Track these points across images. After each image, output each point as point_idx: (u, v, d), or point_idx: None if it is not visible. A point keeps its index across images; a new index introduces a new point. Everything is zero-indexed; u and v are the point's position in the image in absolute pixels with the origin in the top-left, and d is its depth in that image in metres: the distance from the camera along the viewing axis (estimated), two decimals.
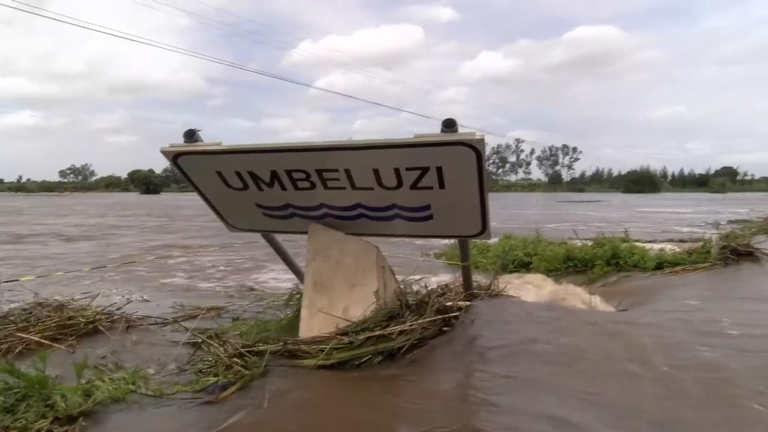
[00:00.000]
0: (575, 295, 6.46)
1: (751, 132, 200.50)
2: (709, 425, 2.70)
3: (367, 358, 3.58)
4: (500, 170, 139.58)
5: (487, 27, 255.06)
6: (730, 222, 17.81)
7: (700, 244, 9.32)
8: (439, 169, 3.53)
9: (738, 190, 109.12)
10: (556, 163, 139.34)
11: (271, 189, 3.97)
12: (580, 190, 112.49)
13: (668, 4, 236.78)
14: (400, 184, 3.69)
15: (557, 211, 35.92)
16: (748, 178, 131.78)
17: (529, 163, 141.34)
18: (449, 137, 3.34)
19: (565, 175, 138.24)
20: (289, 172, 3.80)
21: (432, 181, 3.61)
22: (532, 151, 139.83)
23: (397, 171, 3.61)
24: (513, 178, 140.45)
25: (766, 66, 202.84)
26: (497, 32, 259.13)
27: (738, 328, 4.57)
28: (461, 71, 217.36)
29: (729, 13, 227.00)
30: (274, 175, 3.84)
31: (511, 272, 8.64)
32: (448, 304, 4.46)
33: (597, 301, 6.26)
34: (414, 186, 3.67)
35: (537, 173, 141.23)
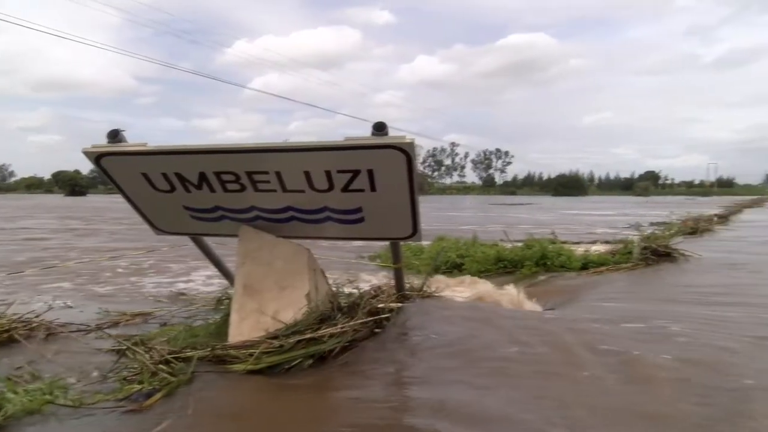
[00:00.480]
0: (504, 295, 6.62)
1: (672, 138, 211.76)
2: (617, 404, 2.84)
3: (297, 361, 3.57)
4: (436, 173, 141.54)
5: (423, 31, 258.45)
6: (651, 224, 18.60)
7: (623, 245, 9.79)
8: (370, 172, 3.55)
9: (660, 193, 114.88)
10: (489, 166, 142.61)
11: (200, 191, 3.88)
12: (513, 193, 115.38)
13: (595, 14, 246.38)
14: (331, 187, 3.69)
15: (490, 213, 36.70)
16: (669, 182, 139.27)
17: (463, 167, 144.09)
18: (380, 140, 3.37)
19: (498, 179, 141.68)
20: (218, 174, 3.73)
21: (363, 183, 3.62)
22: (467, 155, 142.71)
23: (328, 173, 3.60)
24: (448, 181, 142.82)
25: (685, 76, 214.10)
26: (433, 37, 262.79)
27: (655, 322, 4.84)
28: (398, 74, 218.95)
29: (651, 25, 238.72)
30: (203, 176, 3.76)
31: (444, 274, 8.77)
32: (380, 305, 4.50)
33: (525, 301, 6.45)
34: (345, 189, 3.68)
35: (471, 176, 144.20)
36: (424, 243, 11.07)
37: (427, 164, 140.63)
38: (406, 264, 7.64)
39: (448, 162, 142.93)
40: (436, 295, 5.72)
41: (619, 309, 5.75)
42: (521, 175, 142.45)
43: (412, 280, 5.94)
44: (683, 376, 3.40)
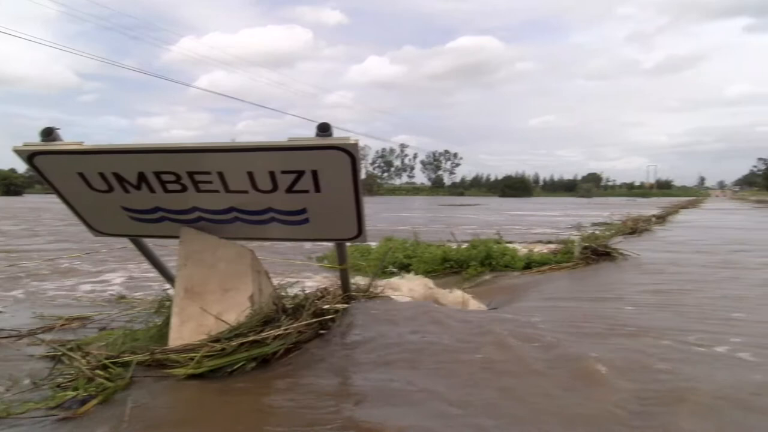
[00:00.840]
0: (450, 294, 6.71)
1: (614, 141, 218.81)
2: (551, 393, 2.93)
3: (240, 364, 3.52)
4: (385, 174, 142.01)
5: (374, 32, 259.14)
6: (593, 224, 19.19)
7: (564, 245, 10.07)
8: (315, 173, 3.54)
9: (602, 194, 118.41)
10: (438, 167, 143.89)
11: (139, 191, 3.79)
12: (461, 194, 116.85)
13: (542, 19, 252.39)
14: (275, 188, 3.67)
15: (439, 214, 37.05)
16: (611, 183, 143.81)
17: (413, 168, 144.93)
18: (324, 141, 3.37)
19: (447, 180, 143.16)
20: (157, 174, 3.65)
21: (308, 184, 3.61)
22: (416, 156, 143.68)
23: (272, 174, 3.58)
24: (398, 181, 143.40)
25: (626, 81, 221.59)
26: (384, 38, 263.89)
27: (589, 320, 5.01)
28: (349, 75, 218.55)
29: (594, 31, 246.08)
30: (142, 176, 3.67)
31: (391, 274, 8.83)
32: (326, 307, 4.49)
33: (470, 300, 6.55)
34: (290, 189, 3.66)
35: (421, 177, 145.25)
36: (372, 244, 11.12)
37: (376, 165, 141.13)
38: (353, 265, 7.67)
39: (397, 163, 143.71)
40: (383, 295, 5.75)
41: (559, 307, 5.91)
42: (469, 177, 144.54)
43: (359, 281, 5.95)
44: (612, 373, 3.54)
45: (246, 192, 3.71)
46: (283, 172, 3.56)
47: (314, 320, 4.12)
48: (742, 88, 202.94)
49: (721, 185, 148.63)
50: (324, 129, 3.36)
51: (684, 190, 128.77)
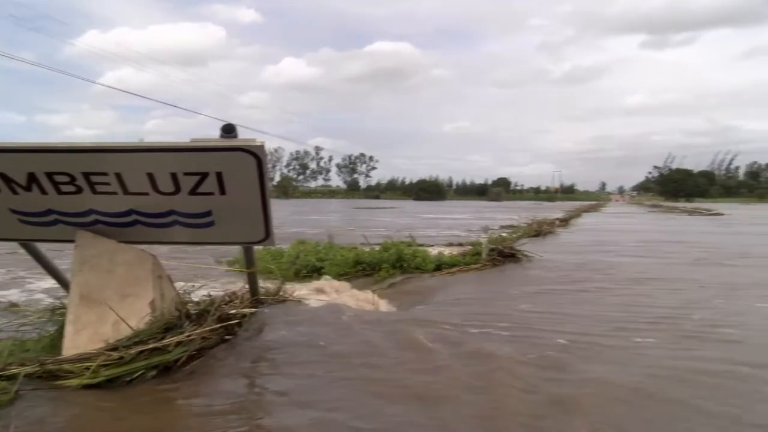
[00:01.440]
0: (361, 297, 6.75)
1: (522, 147, 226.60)
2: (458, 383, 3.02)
3: (139, 373, 3.39)
4: (301, 176, 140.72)
5: (290, 33, 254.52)
6: (501, 227, 19.90)
7: (473, 247, 10.39)
8: (219, 175, 3.47)
9: (511, 198, 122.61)
10: (354, 171, 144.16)
11: (29, 193, 3.57)
12: (376, 197, 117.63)
13: (456, 27, 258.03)
14: (178, 190, 3.56)
15: (354, 217, 37.20)
16: (519, 188, 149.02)
17: (329, 171, 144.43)
18: (228, 143, 3.32)
19: (363, 183, 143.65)
20: (50, 175, 3.45)
21: (212, 186, 3.54)
22: (332, 159, 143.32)
23: (174, 176, 3.48)
24: (313, 184, 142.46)
25: (536, 90, 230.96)
26: (301, 39, 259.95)
27: (496, 318, 5.20)
28: (264, 76, 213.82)
29: (506, 40, 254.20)
30: (32, 177, 3.46)
31: (303, 277, 8.79)
32: (232, 311, 4.40)
33: (381, 302, 6.61)
34: (193, 192, 3.57)
35: (336, 180, 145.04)
36: (284, 247, 11.00)
37: (291, 167, 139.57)
38: (264, 269, 7.55)
39: (313, 165, 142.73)
40: (293, 299, 5.69)
41: (466, 307, 6.09)
42: (385, 180, 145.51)
43: (270, 285, 5.86)
44: (513, 363, 3.69)
45: (146, 194, 3.58)
46: (186, 174, 3.46)
47: (219, 325, 4.03)
48: (639, 100, 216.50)
49: (621, 190, 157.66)
50: (228, 130, 3.31)
51: (587, 195, 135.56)
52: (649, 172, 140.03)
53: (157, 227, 3.92)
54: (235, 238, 4.27)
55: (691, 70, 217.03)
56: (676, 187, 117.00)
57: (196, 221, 3.86)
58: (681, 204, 76.15)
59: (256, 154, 3.35)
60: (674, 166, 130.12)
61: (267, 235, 4.03)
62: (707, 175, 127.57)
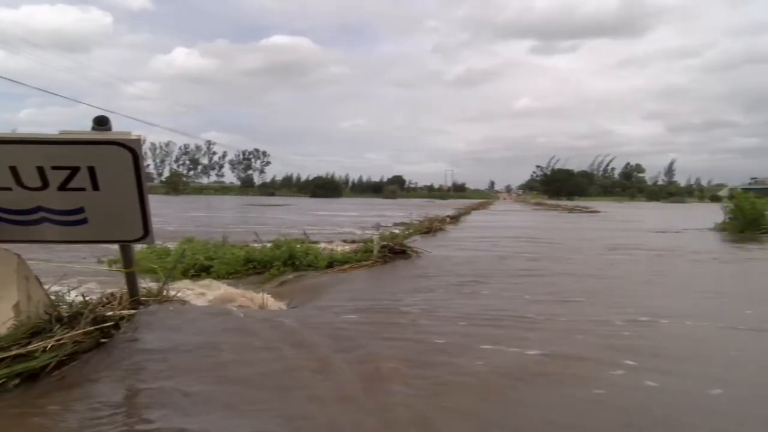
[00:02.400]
0: (250, 295, 6.65)
1: (417, 146, 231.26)
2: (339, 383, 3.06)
3: (0, 382, 3.14)
4: (192, 172, 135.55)
5: (183, 22, 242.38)
6: (395, 224, 20.26)
7: (365, 244, 10.52)
8: (92, 170, 3.30)
9: (405, 196, 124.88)
10: (249, 167, 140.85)
11: None
12: (271, 194, 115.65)
13: (356, 24, 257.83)
14: (45, 185, 3.35)
15: (248, 214, 36.45)
16: (414, 185, 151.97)
17: (222, 166, 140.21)
18: (100, 136, 3.16)
19: (258, 179, 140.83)
20: None
21: (84, 182, 3.35)
22: (225, 154, 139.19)
23: (41, 170, 3.27)
24: (205, 180, 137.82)
25: (431, 90, 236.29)
26: (194, 29, 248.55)
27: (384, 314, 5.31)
28: (154, 66, 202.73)
29: (404, 41, 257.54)
30: None
31: (191, 277, 8.52)
32: (109, 313, 4.19)
33: (270, 300, 6.55)
34: (63, 187, 3.37)
35: (230, 176, 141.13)
36: (171, 245, 10.61)
37: (181, 162, 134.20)
38: (147, 268, 7.24)
39: (205, 161, 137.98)
40: (177, 299, 5.50)
41: (354, 303, 6.18)
42: (280, 177, 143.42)
43: (152, 285, 5.63)
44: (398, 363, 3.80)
45: (9, 189, 3.34)
46: (55, 168, 3.27)
47: (94, 328, 3.82)
48: (526, 103, 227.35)
49: (508, 189, 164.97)
50: (101, 122, 3.15)
51: (477, 193, 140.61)
52: (534, 172, 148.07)
53: (22, 225, 3.66)
54: (111, 237, 4.07)
55: (575, 75, 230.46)
56: (559, 186, 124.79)
57: (67, 218, 3.64)
58: (563, 202, 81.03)
59: (131, 149, 3.21)
60: (557, 166, 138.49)
61: (146, 232, 3.87)
62: (587, 176, 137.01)
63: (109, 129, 3.20)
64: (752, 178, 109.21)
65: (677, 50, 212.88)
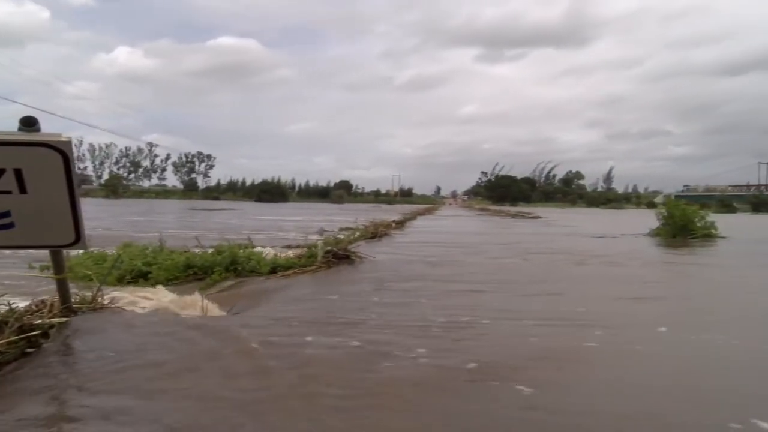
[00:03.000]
0: (190, 302, 6.49)
1: (365, 151, 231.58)
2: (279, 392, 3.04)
3: None
4: (132, 175, 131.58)
5: (126, 20, 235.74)
6: (341, 229, 20.21)
7: (309, 249, 10.43)
8: (18, 172, 3.18)
9: (352, 201, 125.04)
10: (192, 170, 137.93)
11: None
12: (216, 198, 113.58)
13: (305, 27, 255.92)
14: None
15: (191, 218, 35.66)
16: (361, 190, 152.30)
17: (164, 169, 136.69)
18: (28, 137, 3.05)
19: (201, 183, 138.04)
20: None
21: (10, 184, 3.22)
22: (168, 157, 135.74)
23: None
24: (147, 183, 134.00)
25: (380, 95, 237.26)
26: (138, 28, 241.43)
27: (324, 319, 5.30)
28: (94, 64, 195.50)
29: (354, 45, 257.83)
30: None
31: (128, 283, 8.26)
32: (37, 322, 4.03)
33: (211, 307, 6.41)
34: None
35: (173, 180, 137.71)
36: (110, 251, 10.27)
37: (122, 165, 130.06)
38: (82, 274, 6.99)
39: (146, 163, 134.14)
40: (112, 306, 5.34)
41: (295, 309, 6.14)
42: (225, 180, 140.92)
43: (86, 292, 5.44)
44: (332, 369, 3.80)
45: None
46: None
47: (19, 337, 3.66)
48: (472, 110, 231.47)
49: (454, 194, 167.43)
50: (29, 123, 3.04)
51: (424, 198, 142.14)
52: (479, 178, 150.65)
53: None
54: (40, 242, 3.91)
55: (520, 83, 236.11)
56: (503, 192, 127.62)
57: None
58: (506, 207, 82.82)
59: (61, 151, 3.11)
60: (501, 172, 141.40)
61: (77, 237, 3.74)
62: (529, 182, 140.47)
63: (38, 130, 3.08)
64: (685, 186, 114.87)
65: (618, 61, 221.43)
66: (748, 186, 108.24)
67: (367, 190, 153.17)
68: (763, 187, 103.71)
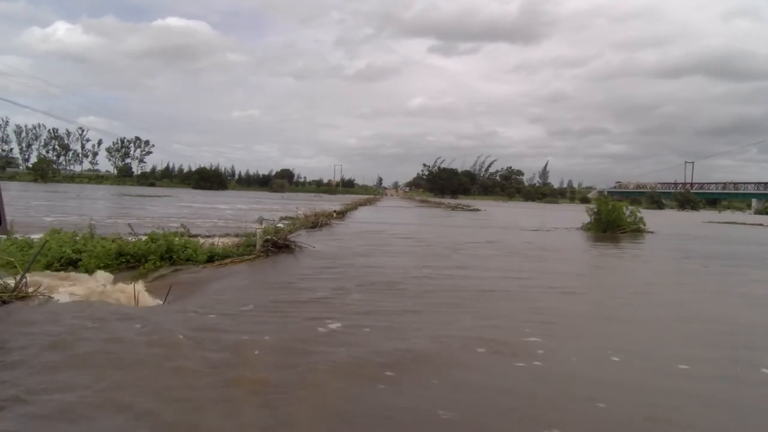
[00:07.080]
0: (120, 291, 6.33)
1: (308, 140, 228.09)
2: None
3: None
4: (62, 158, 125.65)
5: None
6: (281, 218, 20.02)
7: (248, 238, 10.32)
8: None
9: (294, 190, 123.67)
10: (127, 155, 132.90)
11: None
12: (151, 185, 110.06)
13: (257, 11, 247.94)
14: None
15: (125, 205, 34.48)
16: (302, 180, 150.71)
17: (96, 154, 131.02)
18: None
19: (137, 169, 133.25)
20: None
21: None
22: (101, 141, 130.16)
23: None
24: (78, 168, 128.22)
25: (329, 84, 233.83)
26: (81, 3, 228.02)
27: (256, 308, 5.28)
28: (25, 39, 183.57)
29: (305, 32, 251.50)
30: None
31: (57, 270, 7.94)
32: None
33: (143, 296, 6.26)
34: None
35: (106, 165, 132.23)
36: (36, 237, 9.83)
37: (51, 147, 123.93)
38: (5, 261, 6.69)
39: (77, 147, 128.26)
40: (38, 294, 5.14)
41: (228, 298, 6.09)
42: (161, 166, 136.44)
43: (10, 281, 5.22)
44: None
45: None
46: None
47: None
48: (420, 102, 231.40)
49: (396, 186, 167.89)
50: None
51: (365, 189, 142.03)
52: (421, 170, 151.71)
53: None
54: None
55: (470, 78, 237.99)
56: (444, 184, 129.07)
57: None
58: (446, 200, 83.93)
59: None
60: (444, 165, 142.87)
61: None
62: (469, 175, 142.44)
63: None
64: (616, 182, 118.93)
65: (565, 59, 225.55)
66: (675, 184, 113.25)
67: (309, 179, 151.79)
68: (689, 185, 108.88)
